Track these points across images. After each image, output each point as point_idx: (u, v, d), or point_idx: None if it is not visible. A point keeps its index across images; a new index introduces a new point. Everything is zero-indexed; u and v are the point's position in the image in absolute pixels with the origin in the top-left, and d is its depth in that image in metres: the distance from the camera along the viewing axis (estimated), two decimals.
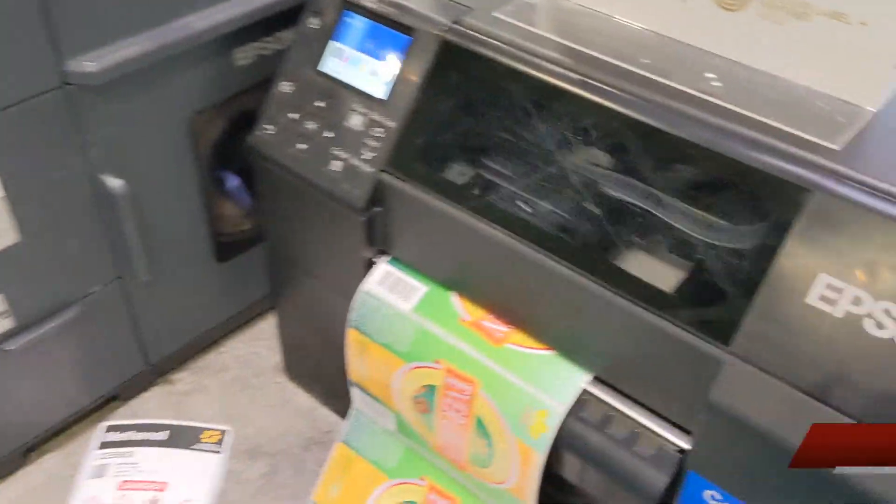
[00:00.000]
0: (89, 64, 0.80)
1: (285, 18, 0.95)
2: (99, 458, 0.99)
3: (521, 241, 0.72)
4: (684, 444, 0.68)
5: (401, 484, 0.90)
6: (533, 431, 0.74)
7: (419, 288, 0.82)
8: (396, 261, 0.84)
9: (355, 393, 0.92)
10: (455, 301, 0.80)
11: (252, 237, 1.11)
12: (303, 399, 1.08)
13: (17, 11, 0.74)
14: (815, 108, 0.66)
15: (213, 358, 1.13)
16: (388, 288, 0.83)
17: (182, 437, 1.02)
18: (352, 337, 0.86)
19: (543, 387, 0.74)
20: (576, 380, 0.73)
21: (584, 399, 0.73)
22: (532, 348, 0.76)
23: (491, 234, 0.74)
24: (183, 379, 1.10)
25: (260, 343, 1.16)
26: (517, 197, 0.75)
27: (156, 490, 0.96)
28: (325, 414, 1.06)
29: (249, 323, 1.18)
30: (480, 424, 0.78)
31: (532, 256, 0.71)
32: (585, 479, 0.74)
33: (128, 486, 0.96)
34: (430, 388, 0.81)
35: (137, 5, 0.83)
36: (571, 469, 0.74)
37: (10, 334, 0.89)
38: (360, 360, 0.87)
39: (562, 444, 0.73)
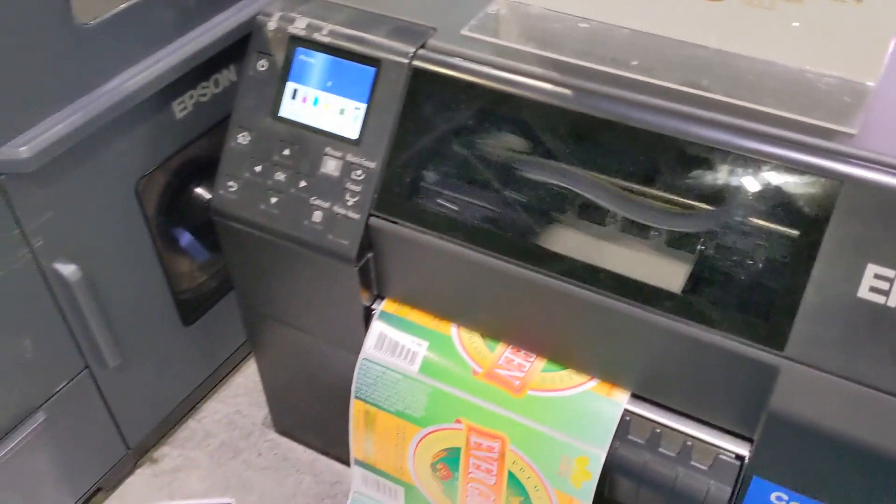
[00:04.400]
0: (22, 149, 0.71)
1: (218, 61, 0.87)
2: None
3: (533, 268, 0.68)
4: (741, 451, 0.66)
5: None
6: (574, 481, 0.71)
7: (420, 344, 0.77)
8: (388, 317, 0.79)
9: (357, 473, 0.87)
10: (461, 352, 0.75)
11: (211, 290, 1.03)
12: (299, 453, 1.02)
13: None
14: (818, 90, 0.65)
15: (193, 426, 1.06)
16: (388, 351, 0.78)
17: None
18: (357, 408, 0.81)
19: (577, 433, 0.70)
20: (610, 418, 0.70)
21: (626, 419, 0.70)
22: (555, 391, 0.72)
23: (498, 264, 0.70)
24: (167, 455, 1.03)
25: (238, 401, 1.09)
26: (522, 222, 0.71)
27: None
28: (328, 464, 1.01)
29: (223, 381, 1.11)
30: (514, 480, 0.74)
31: (548, 283, 0.68)
32: (642, 499, 0.71)
33: None
34: (453, 451, 0.76)
35: (60, 74, 0.74)
36: (624, 492, 0.72)
37: None
38: (366, 433, 0.82)
39: (612, 467, 0.70)
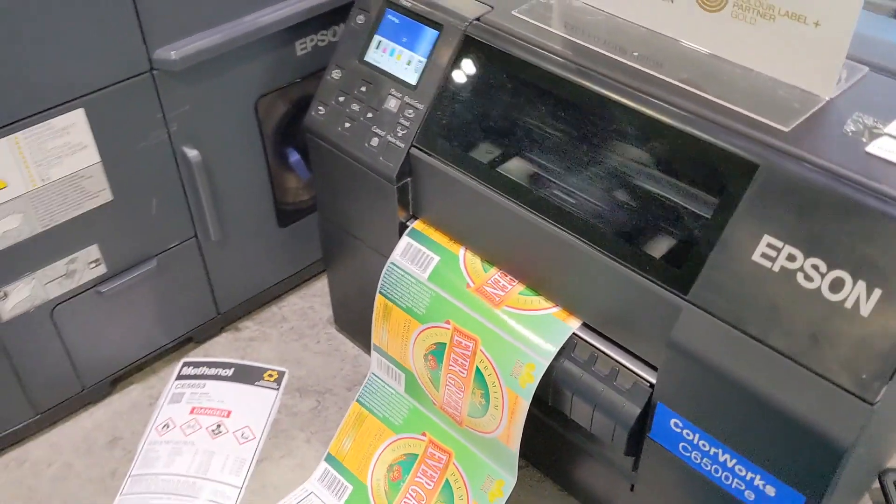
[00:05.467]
0: (172, 53, 0.96)
1: (339, 14, 1.09)
2: (176, 388, 1.16)
3: (522, 206, 0.85)
4: (653, 380, 0.80)
5: (404, 438, 1.03)
6: (521, 382, 0.87)
7: (433, 258, 0.95)
8: (416, 233, 0.98)
9: (374, 357, 1.06)
10: (462, 269, 0.93)
11: (309, 206, 1.26)
12: (349, 347, 1.23)
13: (114, 11, 0.90)
14: (777, 95, 0.77)
15: (274, 310, 1.29)
16: (409, 259, 0.97)
17: (246, 375, 1.18)
18: (379, 302, 1.00)
19: (530, 344, 0.87)
20: (557, 338, 0.85)
21: (573, 342, 0.85)
22: (523, 310, 0.88)
23: (498, 200, 0.87)
24: (248, 327, 1.27)
25: (314, 299, 1.31)
26: (521, 169, 0.87)
27: (221, 416, 1.12)
28: (368, 360, 1.21)
29: (306, 282, 1.34)
30: (479, 375, 0.91)
31: (531, 219, 0.84)
32: (574, 409, 0.86)
33: (198, 411, 1.13)
34: (440, 346, 0.94)
35: (212, 4, 0.98)
36: (563, 400, 0.87)
37: (103, 279, 1.06)
38: (383, 323, 1.01)
39: (556, 379, 0.86)
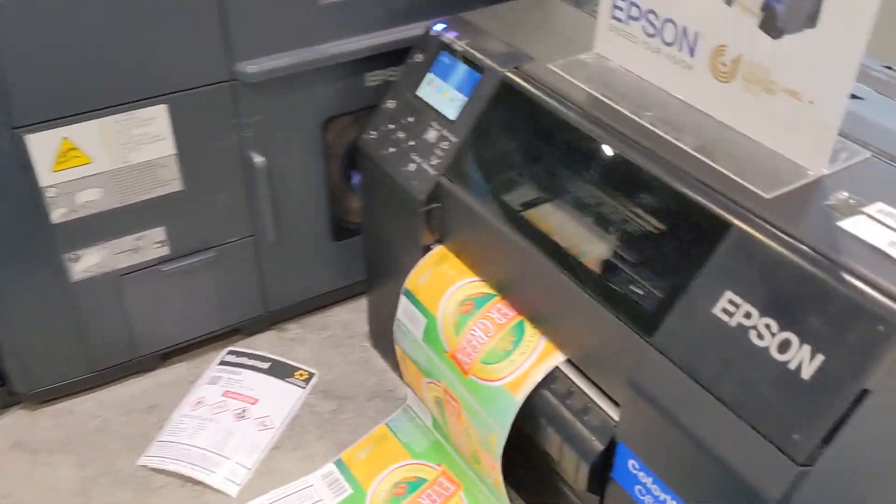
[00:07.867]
0: (250, 67, 1.09)
1: (406, 54, 1.20)
2: (216, 371, 1.27)
3: (524, 239, 0.91)
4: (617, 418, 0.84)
5: (419, 464, 1.10)
6: (490, 447, 0.93)
7: (422, 319, 1.03)
8: (408, 293, 1.06)
9: (408, 391, 1.14)
10: (440, 333, 1.00)
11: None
12: (378, 362, 1.31)
13: (203, 25, 1.04)
14: (770, 166, 0.81)
15: (318, 318, 1.39)
16: (408, 318, 1.06)
17: (279, 370, 1.28)
18: (398, 352, 1.10)
19: (494, 416, 0.92)
20: (508, 414, 0.90)
21: (555, 374, 0.90)
22: (483, 380, 0.94)
23: (506, 232, 0.93)
24: (292, 329, 1.37)
25: (357, 314, 1.40)
26: (531, 206, 0.94)
27: (248, 402, 1.22)
28: (393, 377, 1.28)
29: (355, 297, 1.42)
30: (467, 432, 0.98)
31: (531, 252, 0.90)
32: (546, 439, 0.90)
33: (229, 394, 1.23)
34: (439, 400, 1.02)
35: (290, 31, 1.11)
36: (538, 429, 0.91)
37: (165, 259, 1.19)
38: (404, 367, 1.11)
39: (535, 408, 0.90)
